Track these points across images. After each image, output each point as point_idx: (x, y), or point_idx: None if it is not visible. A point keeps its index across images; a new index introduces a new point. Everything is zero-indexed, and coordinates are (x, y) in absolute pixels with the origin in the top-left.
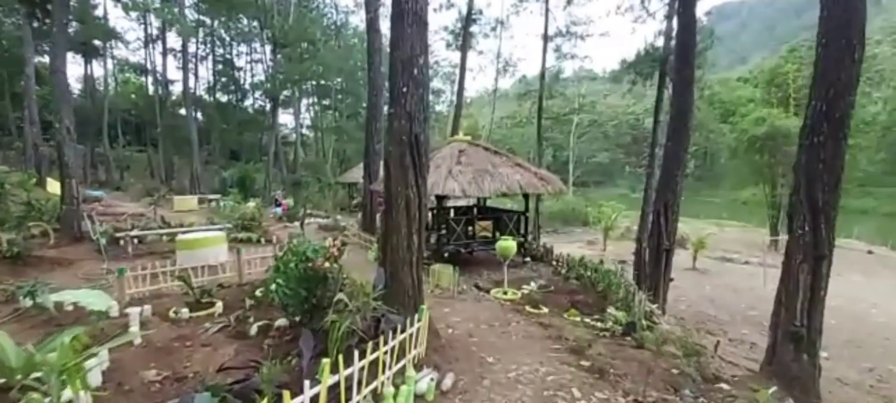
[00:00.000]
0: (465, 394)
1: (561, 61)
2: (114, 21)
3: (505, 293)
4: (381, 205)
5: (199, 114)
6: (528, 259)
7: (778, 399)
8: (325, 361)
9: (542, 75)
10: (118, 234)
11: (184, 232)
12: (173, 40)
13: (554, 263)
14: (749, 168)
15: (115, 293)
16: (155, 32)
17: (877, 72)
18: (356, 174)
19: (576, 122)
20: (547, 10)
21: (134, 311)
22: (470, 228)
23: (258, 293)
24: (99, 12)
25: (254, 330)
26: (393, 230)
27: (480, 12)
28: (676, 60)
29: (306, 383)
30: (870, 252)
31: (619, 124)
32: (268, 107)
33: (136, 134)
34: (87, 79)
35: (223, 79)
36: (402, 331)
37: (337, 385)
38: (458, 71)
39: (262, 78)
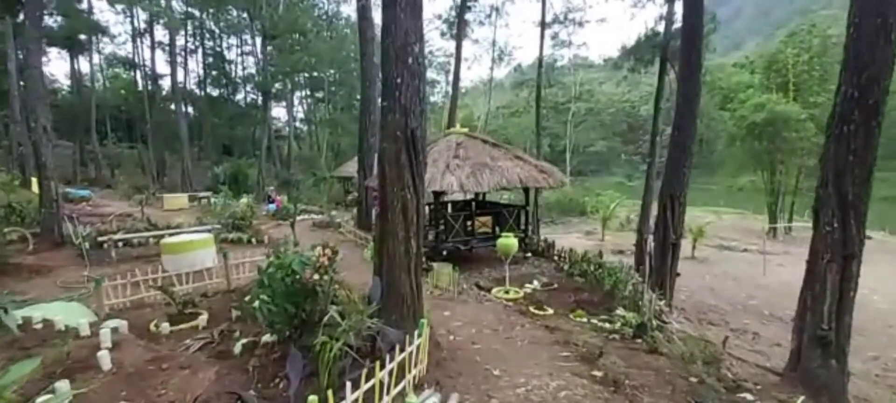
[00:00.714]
0: None
1: (558, 49)
2: (100, 15)
3: (507, 292)
4: (375, 201)
5: (190, 109)
6: (529, 254)
7: None
8: (313, 399)
9: (540, 63)
10: (101, 238)
11: (169, 235)
12: (162, 34)
13: (556, 258)
14: (747, 154)
15: (94, 304)
16: (143, 26)
17: None
18: (351, 168)
19: (573, 111)
20: None
21: (105, 330)
22: (469, 224)
23: (246, 302)
24: (84, 6)
25: (238, 348)
26: (389, 234)
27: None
28: (682, 44)
29: None
30: (868, 237)
31: (615, 113)
32: (260, 100)
33: (127, 130)
34: (74, 75)
35: (214, 73)
36: (402, 348)
37: None
38: (452, 61)
39: (253, 71)
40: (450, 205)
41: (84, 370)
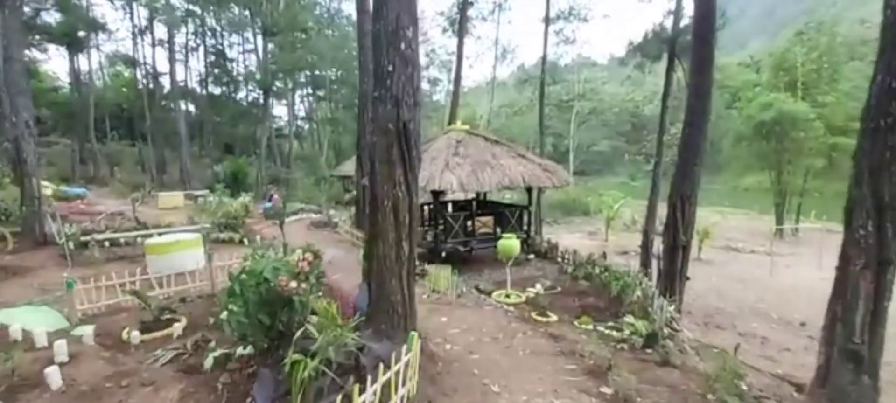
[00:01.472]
0: None
1: (562, 45)
2: (100, 13)
3: (508, 296)
4: None
5: (191, 107)
6: (531, 256)
7: None
8: None
9: (544, 59)
10: (83, 238)
11: (158, 235)
12: (163, 31)
13: (559, 260)
14: (754, 154)
15: (66, 308)
16: (143, 23)
17: None
18: (350, 166)
19: (576, 110)
20: None
21: (60, 342)
22: (469, 225)
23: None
24: (82, 2)
25: (209, 362)
26: (379, 236)
27: None
28: (694, 38)
29: None
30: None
31: (619, 112)
32: (261, 98)
33: (128, 128)
34: (73, 73)
35: (216, 71)
36: (389, 364)
37: None
38: (454, 59)
39: (255, 69)
40: (450, 205)
41: (29, 388)
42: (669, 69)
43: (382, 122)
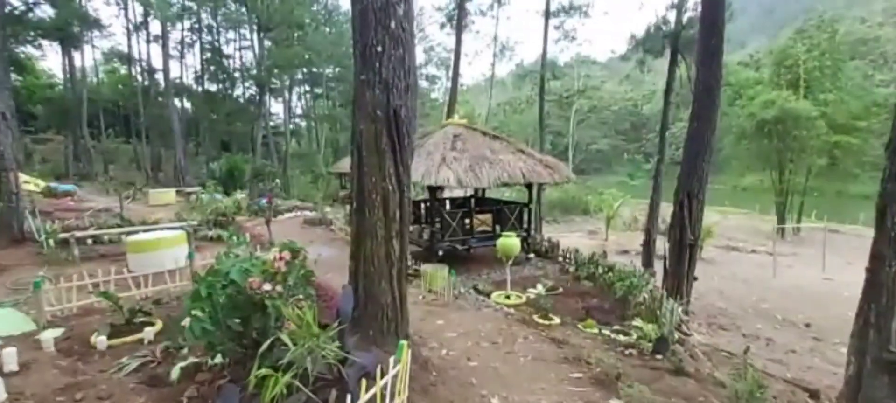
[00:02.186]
0: None
1: (561, 42)
2: (94, 6)
3: (508, 297)
4: None
5: (187, 104)
6: (531, 255)
7: None
8: None
9: (544, 53)
10: (63, 235)
11: (140, 232)
12: (158, 27)
13: (561, 259)
14: (755, 153)
15: (34, 310)
16: (139, 19)
17: (880, 54)
18: (347, 163)
19: (575, 108)
20: None
21: (10, 350)
22: (467, 222)
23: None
24: None
25: (176, 372)
26: (366, 233)
27: None
28: (702, 28)
29: None
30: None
31: (618, 111)
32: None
33: (124, 125)
34: (65, 69)
35: (212, 68)
36: (375, 378)
37: None
38: (452, 55)
39: (251, 65)
40: (448, 202)
41: None
42: (672, 64)
43: (370, 108)
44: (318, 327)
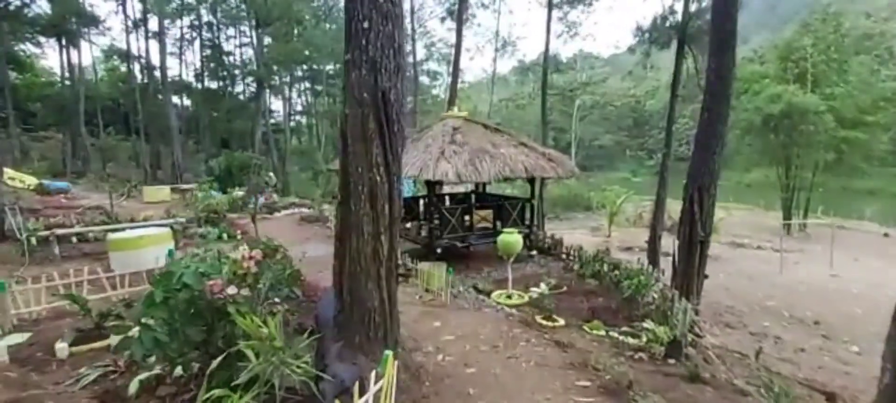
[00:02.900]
0: None
1: (564, 36)
2: (92, 3)
3: (509, 297)
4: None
5: (187, 101)
6: (534, 252)
7: None
8: None
9: (546, 46)
10: (41, 233)
11: (124, 230)
12: (157, 24)
13: (564, 257)
14: (761, 148)
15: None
16: (137, 15)
17: (885, 49)
18: None
19: (578, 104)
20: None
21: None
22: (467, 218)
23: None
24: None
25: (134, 386)
26: (352, 229)
27: None
28: (714, 13)
29: None
30: (885, 235)
31: (620, 107)
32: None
33: (124, 123)
34: (62, 66)
35: (212, 65)
36: (362, 390)
37: None
38: (453, 48)
39: (250, 61)
40: (447, 198)
41: None
42: (679, 56)
43: (356, 91)
44: (301, 333)
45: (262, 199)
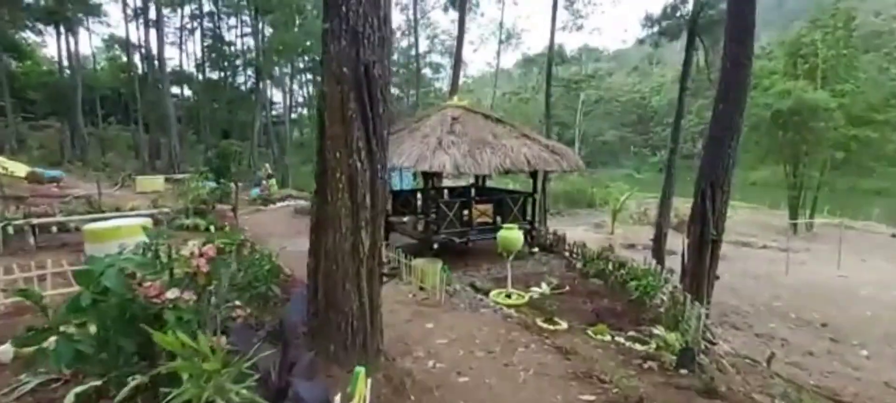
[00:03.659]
0: None
1: (570, 27)
2: None
3: (508, 296)
4: None
5: (187, 92)
6: (535, 249)
7: None
8: None
9: (552, 34)
10: (17, 222)
11: (105, 219)
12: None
13: (567, 254)
14: (769, 146)
15: None
16: (138, 3)
17: (895, 47)
18: None
19: (582, 98)
20: None
21: None
22: (466, 213)
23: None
24: None
25: (70, 400)
26: (327, 222)
27: None
28: None
29: None
30: (894, 235)
31: (625, 103)
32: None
33: (124, 112)
34: (68, 54)
35: (213, 55)
36: None
37: None
38: (456, 40)
39: (250, 51)
40: (446, 192)
41: None
42: (689, 48)
43: (335, 66)
44: (274, 340)
45: (257, 191)
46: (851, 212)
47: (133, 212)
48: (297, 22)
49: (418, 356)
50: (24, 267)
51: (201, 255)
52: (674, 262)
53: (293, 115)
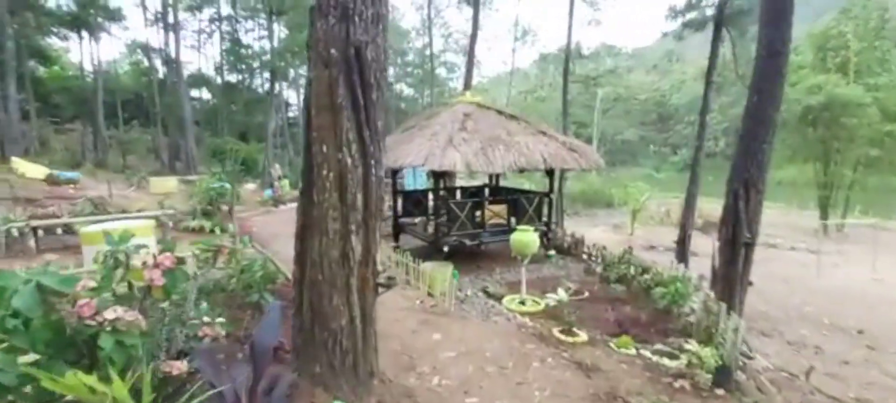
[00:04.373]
0: None
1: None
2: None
3: (523, 303)
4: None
5: (206, 94)
6: (552, 252)
7: None
8: None
9: (570, 28)
10: (18, 224)
11: (106, 222)
12: (181, 17)
13: (586, 257)
14: (797, 143)
15: None
16: (157, 9)
17: None
18: None
19: (600, 96)
20: None
21: None
22: (478, 214)
23: None
24: None
25: None
26: (314, 226)
27: None
28: None
29: None
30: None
31: (644, 101)
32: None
33: (145, 115)
34: (82, 58)
35: (231, 58)
36: None
37: None
38: (470, 36)
39: (266, 53)
40: (459, 191)
41: None
42: (716, 40)
43: (322, 47)
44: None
45: (271, 192)
46: (885, 212)
47: (135, 214)
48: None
49: (423, 371)
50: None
51: (156, 265)
52: (697, 265)
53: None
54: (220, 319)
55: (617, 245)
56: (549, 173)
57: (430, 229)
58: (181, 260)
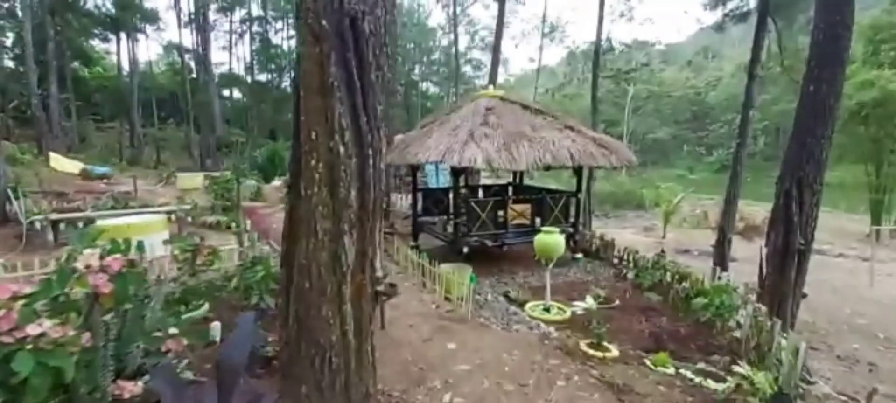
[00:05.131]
0: None
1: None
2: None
3: (547, 310)
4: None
5: (238, 94)
6: (578, 255)
7: None
8: None
9: (600, 19)
10: (38, 216)
11: (123, 216)
12: (212, 17)
13: (616, 261)
14: (847, 142)
15: None
16: (191, 9)
17: None
18: None
19: (631, 93)
20: None
21: None
22: (500, 214)
23: None
24: None
25: None
26: (301, 225)
27: None
28: None
29: None
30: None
31: (678, 99)
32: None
33: (180, 114)
34: (128, 58)
35: (261, 58)
36: None
37: None
38: (495, 31)
39: (293, 52)
40: (481, 190)
41: None
42: (760, 29)
43: (312, 19)
44: None
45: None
46: None
47: (152, 209)
48: None
49: (433, 386)
50: (28, 264)
51: (102, 271)
52: (737, 271)
53: None
54: (216, 324)
55: (648, 248)
56: (577, 171)
57: (450, 228)
58: (133, 264)
